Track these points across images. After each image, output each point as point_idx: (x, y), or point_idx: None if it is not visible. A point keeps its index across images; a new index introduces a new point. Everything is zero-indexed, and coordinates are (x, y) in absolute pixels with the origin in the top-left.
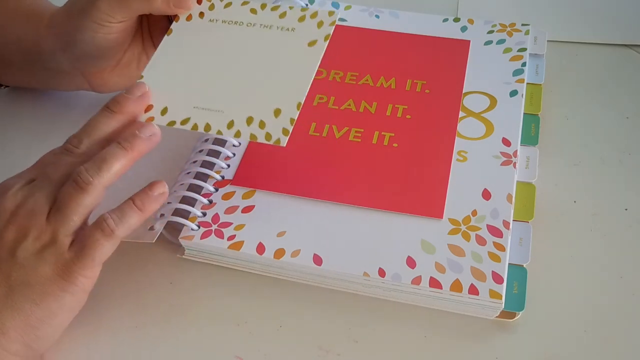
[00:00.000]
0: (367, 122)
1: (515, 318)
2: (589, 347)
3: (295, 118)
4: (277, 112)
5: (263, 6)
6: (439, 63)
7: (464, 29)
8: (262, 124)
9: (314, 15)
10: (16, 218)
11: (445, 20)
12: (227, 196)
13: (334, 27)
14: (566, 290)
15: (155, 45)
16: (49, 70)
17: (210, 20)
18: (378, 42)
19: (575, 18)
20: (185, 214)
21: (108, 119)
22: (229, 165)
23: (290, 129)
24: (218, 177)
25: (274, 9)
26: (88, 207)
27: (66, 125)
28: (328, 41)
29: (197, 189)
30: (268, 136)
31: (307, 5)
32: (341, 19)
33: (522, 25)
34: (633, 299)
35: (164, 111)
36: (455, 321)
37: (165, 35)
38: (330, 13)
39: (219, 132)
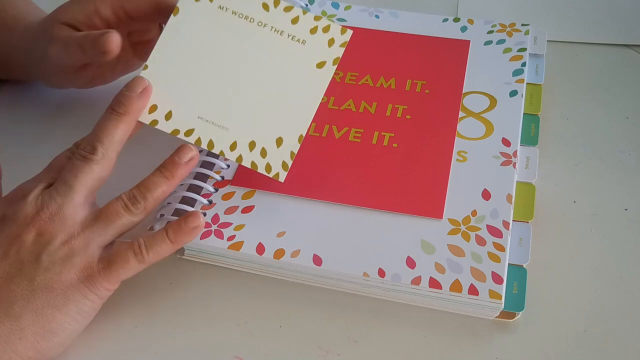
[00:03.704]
0: (367, 122)
1: (515, 318)
2: (589, 347)
3: (296, 152)
4: (279, 142)
5: (276, 3)
6: (438, 63)
7: (463, 29)
8: (263, 152)
9: (326, 29)
10: (38, 222)
11: (445, 20)
12: (226, 196)
13: (344, 48)
14: (566, 290)
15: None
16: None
17: (220, 6)
18: (378, 42)
19: (575, 18)
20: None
21: (116, 121)
22: (228, 166)
23: (290, 163)
24: (218, 177)
25: (286, 9)
26: (129, 227)
27: (66, 125)
28: (336, 65)
29: (197, 190)
30: (268, 168)
31: (307, 5)
32: (341, 19)
33: (522, 25)
34: (633, 299)
35: (168, 116)
36: (455, 321)
37: (172, 15)
38: (343, 30)
39: (222, 153)
